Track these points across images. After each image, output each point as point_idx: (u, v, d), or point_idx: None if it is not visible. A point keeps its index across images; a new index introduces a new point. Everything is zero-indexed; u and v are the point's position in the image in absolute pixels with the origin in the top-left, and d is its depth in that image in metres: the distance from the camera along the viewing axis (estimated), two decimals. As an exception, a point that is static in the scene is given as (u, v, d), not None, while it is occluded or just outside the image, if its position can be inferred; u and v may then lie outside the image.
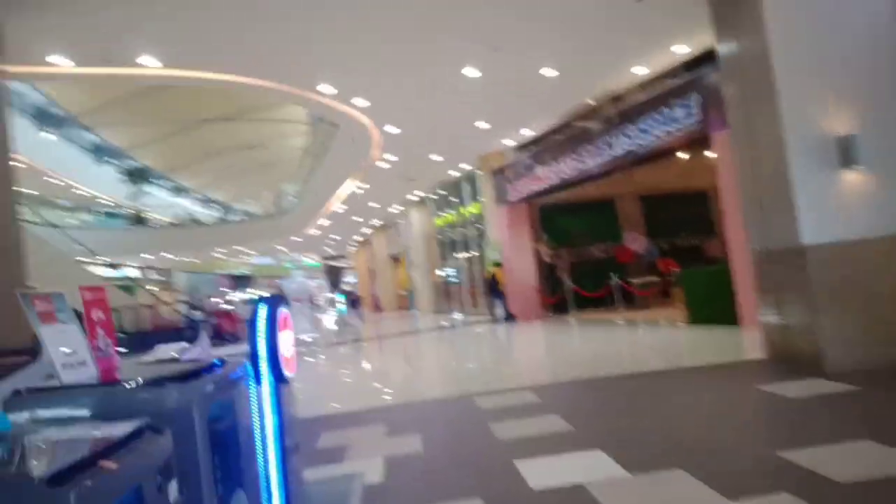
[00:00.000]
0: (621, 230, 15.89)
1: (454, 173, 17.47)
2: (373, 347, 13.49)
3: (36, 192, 29.63)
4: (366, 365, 10.39)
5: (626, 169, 11.55)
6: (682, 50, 9.40)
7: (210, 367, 1.78)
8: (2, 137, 4.78)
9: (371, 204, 21.61)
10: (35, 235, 15.65)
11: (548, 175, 12.55)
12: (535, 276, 14.48)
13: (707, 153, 12.79)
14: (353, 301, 30.08)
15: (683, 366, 6.53)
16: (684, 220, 16.01)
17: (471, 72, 8.86)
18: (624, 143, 10.38)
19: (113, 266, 30.23)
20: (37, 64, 5.94)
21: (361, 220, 25.56)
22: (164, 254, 33.72)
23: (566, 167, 11.97)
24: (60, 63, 5.93)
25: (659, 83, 10.33)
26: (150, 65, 6.40)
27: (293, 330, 2.30)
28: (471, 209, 17.84)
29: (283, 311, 2.19)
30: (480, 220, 16.88)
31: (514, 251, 14.36)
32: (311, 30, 7.00)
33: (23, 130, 25.70)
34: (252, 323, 2.05)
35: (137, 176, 33.57)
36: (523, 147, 14.43)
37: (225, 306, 21.26)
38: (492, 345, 11.38)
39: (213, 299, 21.34)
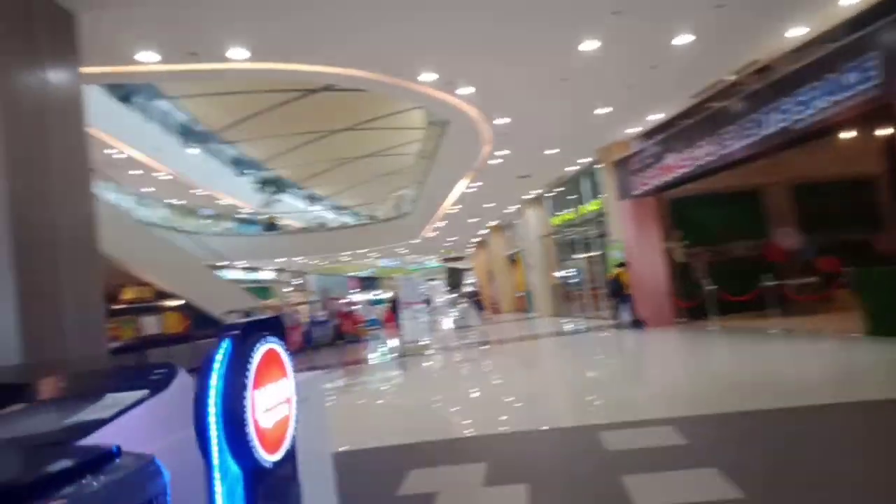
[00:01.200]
0: (768, 224, 13.82)
1: (571, 168, 16.22)
2: (486, 355, 12.62)
3: (184, 202, 32.46)
4: (475, 378, 9.46)
5: (776, 151, 9.75)
6: (850, 1, 7.63)
7: (95, 462, 1.00)
8: (81, 138, 4.50)
9: (485, 204, 20.88)
10: (170, 242, 16.75)
11: (680, 163, 11.00)
12: (666, 278, 12.87)
13: (879, 131, 10.70)
14: (477, 302, 29.58)
15: (884, 397, 4.99)
16: (844, 213, 13.60)
17: (589, 45, 7.73)
18: (776, 119, 8.69)
19: (245, 269, 32.18)
20: (122, 63, 5.82)
21: (477, 220, 24.92)
22: (296, 258, 35.40)
23: (703, 153, 10.37)
24: (146, 59, 5.77)
25: (816, 48, 8.54)
26: (239, 57, 6.09)
27: (290, 378, 1.48)
28: (590, 206, 16.47)
29: (269, 348, 1.37)
30: (601, 217, 15.49)
31: (641, 250, 12.86)
32: (412, 13, 6.34)
33: (171, 146, 28.17)
34: (204, 373, 1.26)
35: (269, 185, 35.59)
36: (649, 134, 12.91)
37: (348, 307, 21.55)
38: (619, 357, 10.04)
39: (339, 300, 21.68)
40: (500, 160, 14.09)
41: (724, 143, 9.86)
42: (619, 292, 12.86)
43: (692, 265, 13.45)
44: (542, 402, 6.56)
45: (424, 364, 12.01)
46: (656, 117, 11.96)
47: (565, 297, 20.01)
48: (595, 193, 16.03)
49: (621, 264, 13.14)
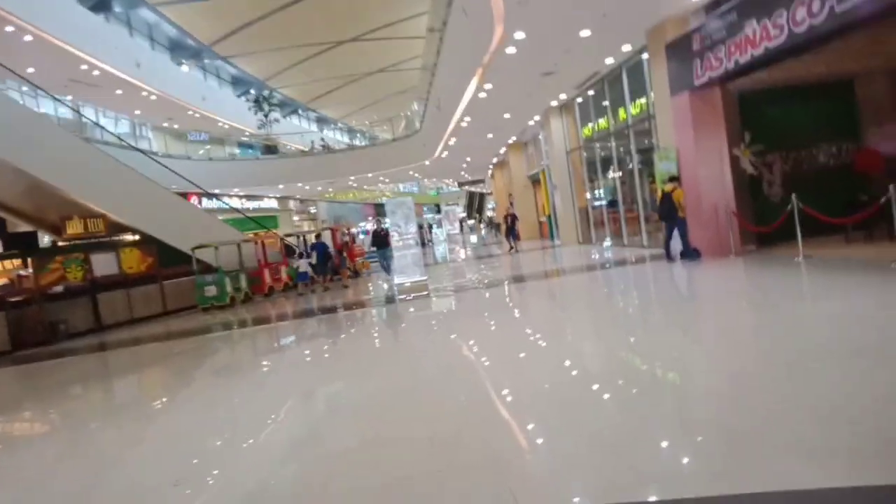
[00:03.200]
0: (862, 125, 10.76)
1: (610, 61, 13.00)
2: (490, 305, 9.43)
3: (176, 126, 29.84)
4: (449, 356, 6.09)
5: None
6: None
7: None
8: None
9: (502, 114, 17.81)
10: (129, 165, 14.26)
11: (766, 33, 7.88)
12: (732, 195, 10.02)
13: None
14: (497, 227, 26.55)
15: None
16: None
17: None
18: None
19: (245, 198, 29.65)
20: None
21: (493, 136, 21.85)
22: (299, 183, 32.88)
23: (804, 13, 7.25)
24: None
25: None
26: None
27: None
28: (632, 110, 13.39)
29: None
30: (647, 121, 12.46)
31: (700, 159, 9.95)
32: None
33: (159, 62, 25.24)
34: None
35: (270, 104, 32.52)
36: (719, 2, 9.69)
37: (346, 237, 19.10)
38: (678, 311, 7.00)
39: (337, 231, 19.19)
40: (515, 49, 11.02)
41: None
42: (670, 213, 10.05)
43: (764, 177, 10.58)
44: (564, 423, 3.47)
45: (405, 317, 9.45)
46: (732, -28, 8.72)
47: (596, 222, 17.27)
48: (639, 94, 12.93)
49: (673, 178, 10.28)
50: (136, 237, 13.60)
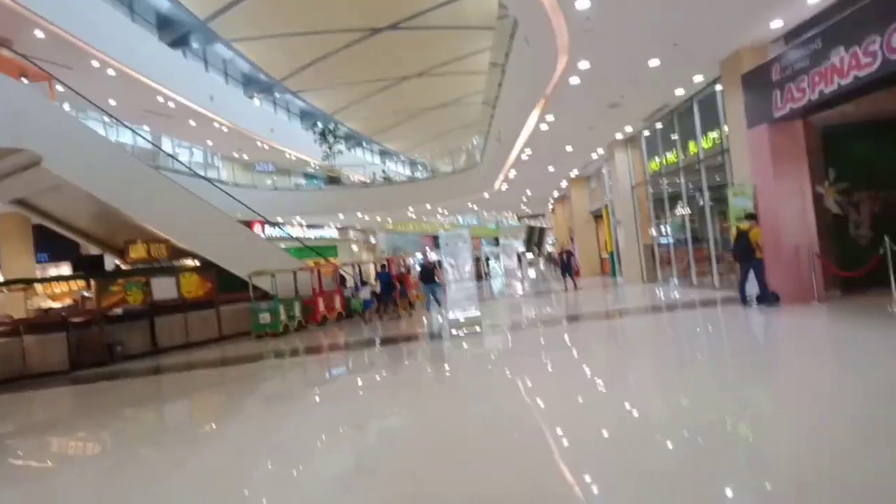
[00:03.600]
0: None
1: (680, 92, 12.45)
2: (537, 349, 8.55)
3: (245, 156, 30.97)
4: (505, 394, 5.67)
5: None
6: None
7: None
8: None
9: (566, 147, 17.40)
10: (193, 193, 14.67)
11: (857, 61, 7.21)
12: (815, 236, 9.17)
13: None
14: (554, 262, 25.88)
15: None
16: None
17: None
18: None
19: (276, 225, 30.00)
20: None
21: (555, 169, 21.42)
22: (359, 213, 33.35)
23: (903, 39, 6.57)
24: None
25: None
26: None
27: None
28: (703, 143, 12.72)
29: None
30: (719, 156, 11.77)
31: (780, 196, 9.18)
32: None
33: (231, 96, 26.42)
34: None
35: (335, 137, 33.36)
36: (799, 31, 9.07)
37: (402, 268, 18.98)
38: (756, 362, 6.09)
39: (392, 261, 19.11)
40: (579, 80, 10.68)
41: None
42: (747, 254, 9.26)
43: (850, 218, 9.66)
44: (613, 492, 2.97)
45: (455, 353, 9.00)
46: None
47: (661, 260, 16.43)
48: (710, 128, 12.28)
49: (750, 216, 9.52)
50: (197, 263, 13.87)
